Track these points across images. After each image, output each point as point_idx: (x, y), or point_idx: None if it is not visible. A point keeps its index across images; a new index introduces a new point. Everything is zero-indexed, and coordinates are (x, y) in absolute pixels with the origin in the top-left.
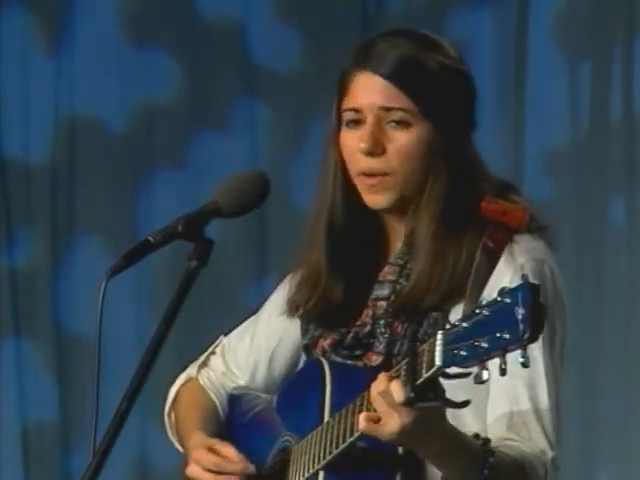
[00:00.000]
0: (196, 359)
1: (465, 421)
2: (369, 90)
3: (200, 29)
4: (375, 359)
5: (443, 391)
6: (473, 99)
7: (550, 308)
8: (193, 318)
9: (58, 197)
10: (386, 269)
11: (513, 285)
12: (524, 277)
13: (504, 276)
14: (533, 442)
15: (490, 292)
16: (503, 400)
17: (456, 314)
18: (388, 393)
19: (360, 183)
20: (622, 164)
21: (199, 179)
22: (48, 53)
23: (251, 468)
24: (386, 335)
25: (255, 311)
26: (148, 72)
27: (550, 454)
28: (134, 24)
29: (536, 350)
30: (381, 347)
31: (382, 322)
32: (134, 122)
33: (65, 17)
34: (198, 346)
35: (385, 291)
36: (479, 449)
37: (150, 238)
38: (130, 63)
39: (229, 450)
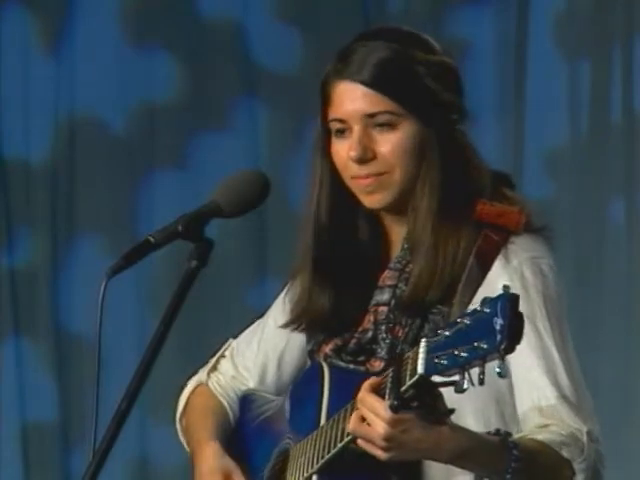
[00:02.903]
0: (205, 362)
1: (467, 422)
2: (350, 99)
3: (200, 29)
4: (378, 365)
5: (429, 398)
6: (459, 90)
7: (556, 301)
8: (193, 318)
9: (58, 197)
10: (385, 274)
11: (495, 295)
12: (505, 288)
13: (500, 277)
14: (565, 423)
15: (482, 296)
16: (528, 393)
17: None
18: (371, 400)
19: (355, 185)
20: (622, 164)
21: (199, 179)
22: (48, 53)
23: None
24: (387, 340)
25: (255, 311)
26: (148, 72)
27: (584, 428)
28: (134, 24)
29: (547, 339)
30: (383, 352)
31: (383, 327)
32: (134, 122)
33: (65, 17)
34: (198, 346)
35: (385, 296)
36: (499, 445)
37: (150, 238)
38: (130, 63)
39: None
